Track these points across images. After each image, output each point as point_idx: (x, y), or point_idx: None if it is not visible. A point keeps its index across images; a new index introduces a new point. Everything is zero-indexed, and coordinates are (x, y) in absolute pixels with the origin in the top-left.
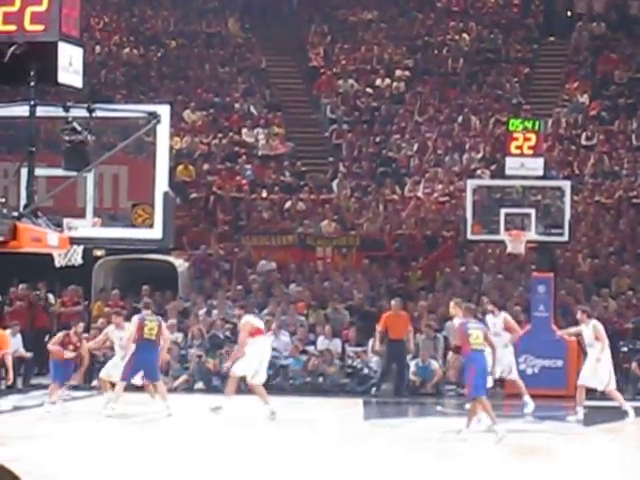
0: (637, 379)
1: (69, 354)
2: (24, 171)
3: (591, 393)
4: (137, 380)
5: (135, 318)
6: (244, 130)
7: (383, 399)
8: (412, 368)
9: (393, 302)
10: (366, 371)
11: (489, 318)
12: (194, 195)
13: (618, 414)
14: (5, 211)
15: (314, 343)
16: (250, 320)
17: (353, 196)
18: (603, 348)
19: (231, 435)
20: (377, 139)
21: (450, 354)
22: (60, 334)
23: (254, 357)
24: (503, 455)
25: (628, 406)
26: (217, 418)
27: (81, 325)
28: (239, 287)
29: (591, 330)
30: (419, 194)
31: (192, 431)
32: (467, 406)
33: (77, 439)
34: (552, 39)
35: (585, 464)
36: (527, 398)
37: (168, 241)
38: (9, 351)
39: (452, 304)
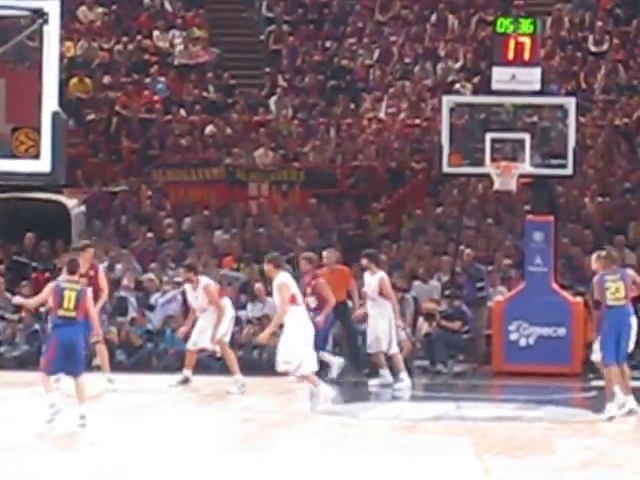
0: None
1: None
2: None
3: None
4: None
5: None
6: (156, 33)
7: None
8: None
9: (325, 253)
10: None
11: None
12: (92, 116)
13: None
14: None
15: (245, 307)
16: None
17: (296, 118)
18: None
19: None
20: (327, 44)
21: (420, 320)
22: None
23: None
24: (490, 449)
25: None
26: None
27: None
28: (149, 235)
29: None
30: (381, 115)
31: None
32: None
33: None
34: None
35: (594, 461)
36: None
37: (58, 175)
38: None
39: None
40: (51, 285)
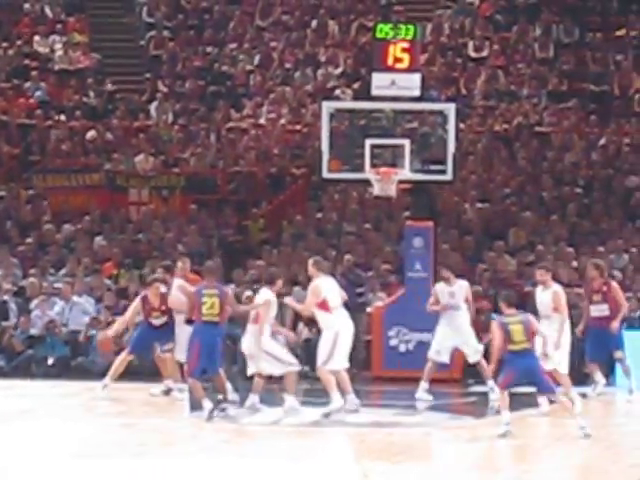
0: None
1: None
2: None
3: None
4: None
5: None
6: (36, 38)
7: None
8: None
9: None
10: None
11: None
12: None
13: (520, 402)
14: None
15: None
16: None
17: (176, 123)
18: (563, 323)
19: None
20: (207, 49)
21: (301, 326)
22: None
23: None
24: (368, 454)
25: (576, 397)
26: None
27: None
28: (29, 240)
29: (549, 297)
30: (261, 121)
31: None
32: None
33: None
34: None
35: (474, 466)
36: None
37: None
38: None
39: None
40: None
